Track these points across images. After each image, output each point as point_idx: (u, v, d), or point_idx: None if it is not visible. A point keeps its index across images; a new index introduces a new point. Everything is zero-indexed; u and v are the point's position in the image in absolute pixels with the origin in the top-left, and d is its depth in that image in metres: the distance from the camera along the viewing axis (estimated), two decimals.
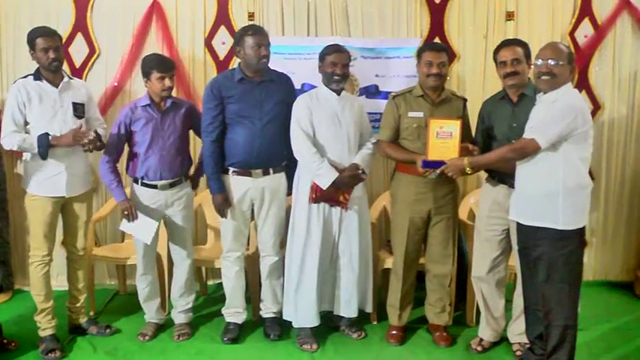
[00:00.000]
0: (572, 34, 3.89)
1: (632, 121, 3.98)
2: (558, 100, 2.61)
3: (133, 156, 3.26)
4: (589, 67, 3.90)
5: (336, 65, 3.15)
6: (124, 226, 3.25)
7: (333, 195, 3.16)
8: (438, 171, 2.92)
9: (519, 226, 2.78)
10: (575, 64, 2.73)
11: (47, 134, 3.03)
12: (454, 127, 2.89)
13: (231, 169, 3.24)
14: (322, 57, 3.20)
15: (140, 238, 3.24)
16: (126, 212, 3.19)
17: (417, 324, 3.49)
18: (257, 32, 3.15)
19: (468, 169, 2.84)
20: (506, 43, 3.07)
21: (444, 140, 2.88)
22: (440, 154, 2.90)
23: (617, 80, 3.95)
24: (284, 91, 3.29)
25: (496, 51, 3.06)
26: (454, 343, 3.30)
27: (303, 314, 3.27)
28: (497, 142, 3.05)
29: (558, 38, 3.86)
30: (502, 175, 3.02)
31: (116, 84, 3.94)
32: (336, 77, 3.15)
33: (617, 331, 3.44)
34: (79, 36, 3.91)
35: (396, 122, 3.20)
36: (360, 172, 3.17)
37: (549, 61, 2.61)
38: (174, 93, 3.40)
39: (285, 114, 3.24)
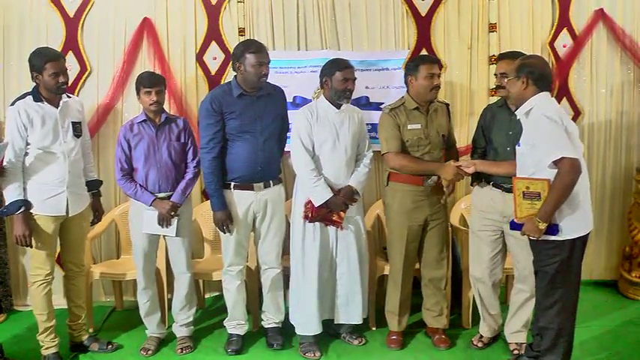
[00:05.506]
0: (551, 44, 4.05)
1: (610, 126, 4.14)
2: (531, 114, 2.68)
3: (131, 170, 3.30)
4: (569, 75, 4.05)
5: (348, 81, 3.19)
6: (149, 227, 3.27)
7: (327, 214, 3.22)
8: (520, 233, 2.76)
9: None
10: (528, 75, 2.68)
11: (26, 203, 3.02)
12: (541, 187, 2.63)
13: (233, 184, 3.25)
14: (332, 73, 3.20)
15: (167, 233, 3.29)
16: (162, 212, 3.22)
17: (414, 328, 3.57)
18: (259, 50, 3.14)
19: (541, 225, 2.64)
20: (500, 57, 3.18)
21: (532, 202, 2.66)
22: (528, 214, 2.69)
23: (595, 87, 4.11)
24: (280, 105, 3.35)
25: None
26: (453, 345, 3.39)
27: (305, 323, 3.32)
28: (493, 149, 3.17)
29: (539, 48, 4.01)
30: (496, 179, 3.12)
31: (108, 101, 3.95)
32: (348, 93, 3.21)
33: (608, 329, 3.56)
34: (70, 54, 3.90)
35: (400, 132, 3.21)
36: (355, 195, 3.25)
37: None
38: (166, 108, 3.43)
39: (281, 127, 3.32)
